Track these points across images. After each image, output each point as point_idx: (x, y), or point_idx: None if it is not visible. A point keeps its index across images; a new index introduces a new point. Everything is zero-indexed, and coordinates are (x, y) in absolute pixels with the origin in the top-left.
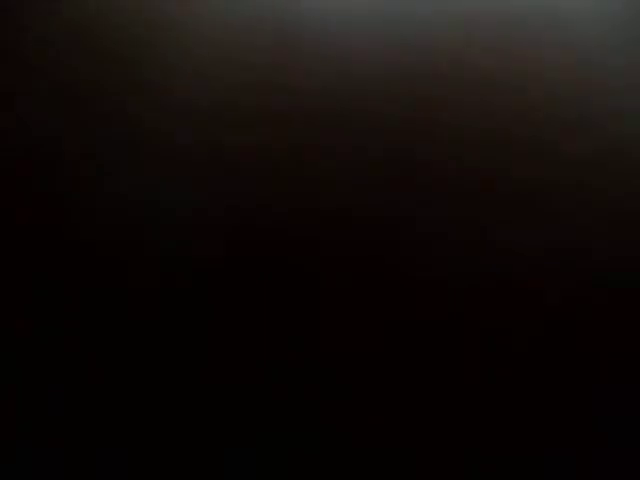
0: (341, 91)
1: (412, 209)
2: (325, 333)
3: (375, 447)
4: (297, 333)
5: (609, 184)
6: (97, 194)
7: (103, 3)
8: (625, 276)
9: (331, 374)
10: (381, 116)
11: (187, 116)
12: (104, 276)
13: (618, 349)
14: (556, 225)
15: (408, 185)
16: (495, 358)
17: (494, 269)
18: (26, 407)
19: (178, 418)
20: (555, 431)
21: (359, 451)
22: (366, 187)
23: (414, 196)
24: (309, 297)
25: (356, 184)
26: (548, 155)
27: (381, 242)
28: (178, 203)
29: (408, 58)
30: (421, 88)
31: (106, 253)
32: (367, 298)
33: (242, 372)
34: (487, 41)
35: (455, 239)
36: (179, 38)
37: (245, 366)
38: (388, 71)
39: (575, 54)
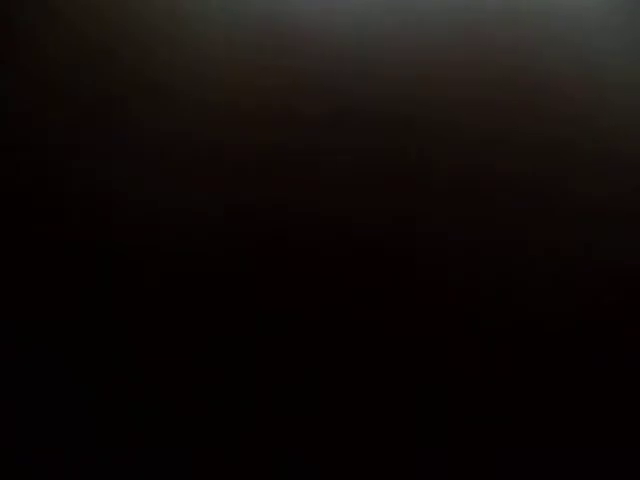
0: (341, 92)
1: (412, 209)
2: (325, 333)
3: (375, 447)
4: (297, 333)
5: (610, 184)
6: (96, 194)
7: (103, 3)
8: (627, 275)
9: (331, 374)
10: (381, 117)
11: (187, 116)
12: (104, 276)
13: (618, 349)
14: (557, 225)
15: (408, 185)
16: (495, 358)
17: (494, 269)
18: (26, 407)
19: (177, 418)
20: (555, 431)
21: (359, 451)
22: (366, 187)
23: (414, 196)
24: (309, 297)
25: (356, 184)
26: (548, 155)
27: (381, 242)
28: (177, 203)
29: (408, 58)
30: (421, 88)
31: (105, 253)
32: (367, 298)
33: (241, 372)
34: (487, 41)
35: (455, 239)
36: (179, 38)
37: (245, 366)
38: (389, 71)
39: (575, 54)
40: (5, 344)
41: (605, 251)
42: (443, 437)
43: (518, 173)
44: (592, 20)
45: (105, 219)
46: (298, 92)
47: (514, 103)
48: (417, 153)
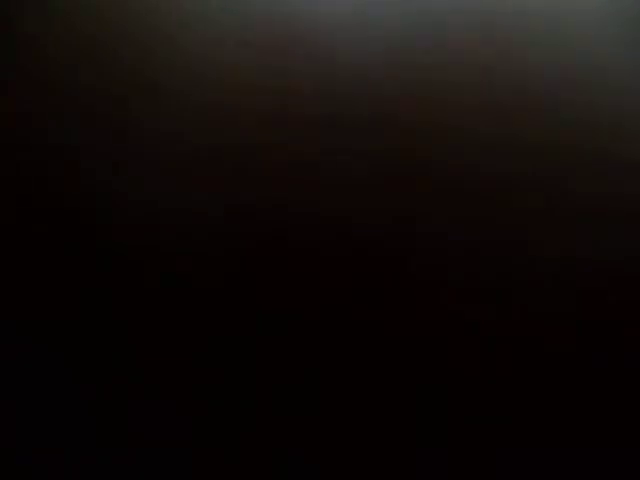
0: (341, 92)
1: (412, 209)
2: (325, 333)
3: (375, 447)
4: (297, 333)
5: (610, 184)
6: (96, 194)
7: (103, 3)
8: (627, 275)
9: (331, 374)
10: (382, 117)
11: (187, 116)
12: (104, 276)
13: (618, 349)
14: (557, 225)
15: (408, 185)
16: (495, 358)
17: (494, 269)
18: (26, 407)
19: (177, 418)
20: (555, 431)
21: (359, 451)
22: (366, 187)
23: (414, 196)
24: (309, 297)
25: (356, 184)
26: (548, 155)
27: (381, 242)
28: (177, 203)
29: (409, 59)
30: (422, 89)
31: (105, 253)
32: (367, 298)
33: (241, 372)
34: (486, 41)
35: (455, 239)
36: (179, 38)
37: (245, 366)
38: (388, 72)
39: (575, 56)
40: (5, 344)
41: (605, 251)
42: (443, 437)
43: (518, 173)
44: (591, 22)
45: (105, 219)
46: (298, 92)
47: (513, 104)
48: (417, 153)
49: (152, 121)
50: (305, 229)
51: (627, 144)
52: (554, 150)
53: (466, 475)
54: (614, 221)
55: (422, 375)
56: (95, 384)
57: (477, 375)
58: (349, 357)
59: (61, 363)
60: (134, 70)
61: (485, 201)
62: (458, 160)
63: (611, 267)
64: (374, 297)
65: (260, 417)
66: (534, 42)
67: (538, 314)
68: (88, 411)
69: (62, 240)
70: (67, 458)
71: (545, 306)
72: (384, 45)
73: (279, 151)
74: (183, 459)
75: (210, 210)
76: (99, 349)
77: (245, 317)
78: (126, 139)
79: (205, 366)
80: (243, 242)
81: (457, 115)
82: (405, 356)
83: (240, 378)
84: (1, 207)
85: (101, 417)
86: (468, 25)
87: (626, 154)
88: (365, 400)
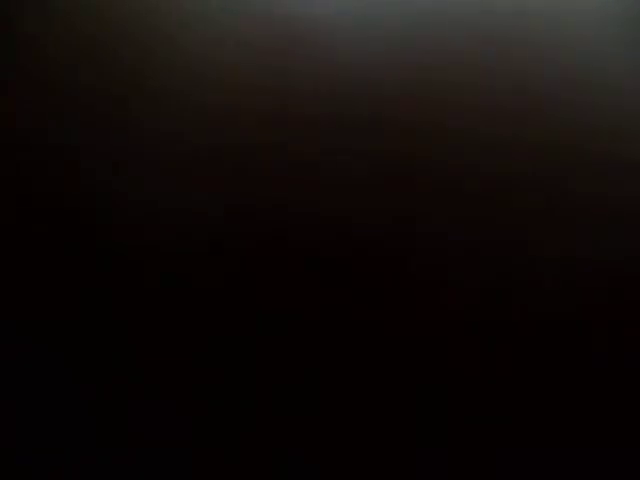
0: (341, 92)
1: (412, 209)
2: (325, 333)
3: (375, 447)
4: (297, 333)
5: (610, 184)
6: (96, 194)
7: (103, 3)
8: (627, 275)
9: (331, 374)
10: (382, 117)
11: (187, 116)
12: (104, 276)
13: (618, 349)
14: (557, 225)
15: (408, 185)
16: (495, 358)
17: (494, 269)
18: (26, 407)
19: (177, 418)
20: (555, 431)
21: (359, 451)
22: (366, 187)
23: (414, 196)
24: (309, 297)
25: (356, 184)
26: (549, 155)
27: (381, 242)
28: (177, 203)
29: (410, 60)
30: (422, 90)
31: (105, 253)
32: (367, 298)
33: (241, 372)
34: (486, 41)
35: (455, 239)
36: (179, 38)
37: (245, 366)
38: (388, 72)
39: (575, 57)
40: (5, 344)
41: (605, 251)
42: (443, 437)
43: (518, 173)
44: (591, 22)
45: (105, 219)
46: (298, 92)
47: (513, 105)
48: (417, 153)
49: (152, 121)
50: (305, 229)
51: (627, 144)
52: (554, 150)
53: (466, 475)
54: (614, 221)
55: (422, 375)
56: (95, 384)
57: (477, 375)
58: (349, 357)
59: (61, 363)
60: (134, 70)
61: (485, 201)
62: (458, 160)
63: (611, 267)
64: (374, 297)
65: (260, 417)
66: (534, 42)
67: (538, 314)
68: (88, 411)
69: (62, 240)
70: (67, 458)
71: (545, 306)
72: (384, 45)
73: (279, 151)
74: (183, 459)
75: (210, 210)
76: (99, 349)
77: (245, 317)
78: (126, 139)
79: (205, 366)
80: (243, 242)
81: (457, 115)
82: (405, 356)
83: (240, 378)
84: (1, 207)
85: (101, 417)
86: (468, 25)
87: (626, 154)
88: (365, 400)
